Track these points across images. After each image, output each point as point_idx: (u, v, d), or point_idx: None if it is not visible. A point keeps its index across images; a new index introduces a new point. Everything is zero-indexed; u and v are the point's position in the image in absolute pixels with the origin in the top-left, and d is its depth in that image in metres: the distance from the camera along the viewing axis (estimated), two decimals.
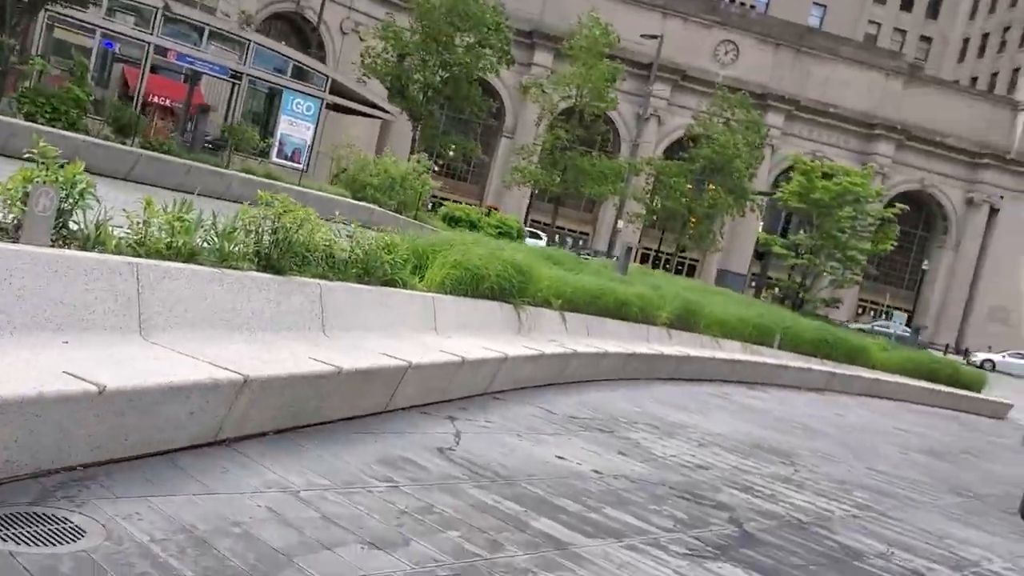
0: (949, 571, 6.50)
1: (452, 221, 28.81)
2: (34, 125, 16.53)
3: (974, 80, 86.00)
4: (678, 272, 59.27)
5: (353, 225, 8.66)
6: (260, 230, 7.01)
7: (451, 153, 47.43)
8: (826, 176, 45.86)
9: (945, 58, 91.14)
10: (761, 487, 7.85)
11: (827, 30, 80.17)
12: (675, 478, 7.40)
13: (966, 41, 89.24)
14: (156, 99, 32.44)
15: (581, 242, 67.46)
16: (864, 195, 44.99)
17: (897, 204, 47.99)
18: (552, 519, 5.52)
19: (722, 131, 50.43)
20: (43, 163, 5.59)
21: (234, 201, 13.69)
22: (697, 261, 69.32)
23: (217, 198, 15.16)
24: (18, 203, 5.36)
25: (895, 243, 49.35)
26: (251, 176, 20.99)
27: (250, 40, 28.13)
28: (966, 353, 57.08)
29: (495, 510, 5.46)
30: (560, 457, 7.21)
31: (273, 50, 29.11)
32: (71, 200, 5.69)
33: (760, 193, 54.62)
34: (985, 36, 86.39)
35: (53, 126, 17.21)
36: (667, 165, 52.14)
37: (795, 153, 53.05)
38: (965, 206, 74.17)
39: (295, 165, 28.81)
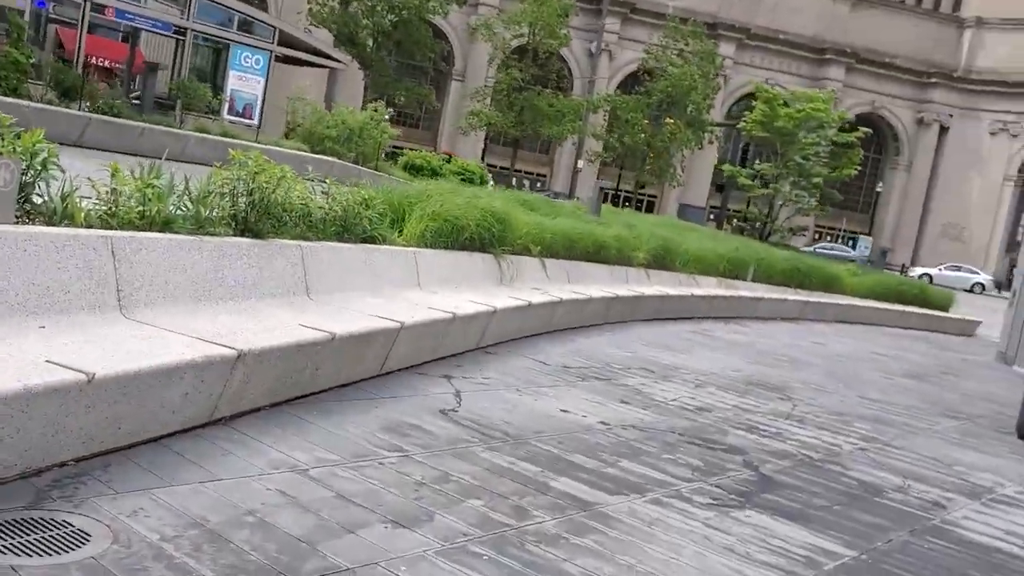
0: (967, 499, 6.43)
1: (413, 170, 28.23)
2: None
3: (919, 0, 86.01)
4: (638, 208, 59.18)
5: (328, 181, 8.26)
6: (235, 192, 6.60)
7: (401, 100, 46.39)
8: (785, 104, 45.69)
9: None
10: (766, 426, 7.72)
11: None
12: (681, 423, 7.23)
13: None
14: (96, 60, 31.17)
15: (539, 184, 66.96)
16: (827, 120, 44.96)
17: (860, 128, 48.07)
18: (571, 478, 5.31)
19: (678, 63, 49.85)
20: None
21: (192, 162, 13.18)
22: (655, 197, 69.26)
23: (174, 159, 14.58)
24: None
25: (858, 168, 49.53)
26: (206, 135, 20.25)
27: None
28: (903, 269, 57.65)
29: (512, 473, 5.23)
30: (564, 410, 6.99)
31: (217, 3, 27.95)
32: (32, 171, 5.25)
33: (720, 124, 54.36)
34: None
35: None
36: (624, 101, 51.57)
37: (757, 82, 52.51)
38: (916, 126, 74.80)
39: (247, 121, 27.95)
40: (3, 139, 5.13)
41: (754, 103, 48.71)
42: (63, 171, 5.40)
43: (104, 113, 18.43)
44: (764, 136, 46.75)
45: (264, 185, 6.65)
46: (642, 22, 67.34)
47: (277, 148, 21.33)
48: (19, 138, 5.20)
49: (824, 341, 16.02)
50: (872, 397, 10.52)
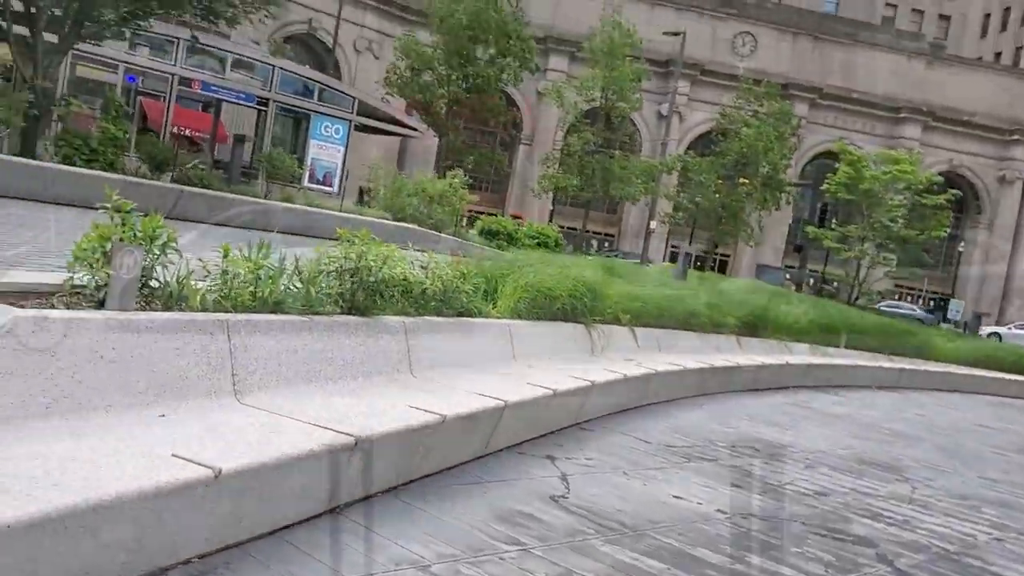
0: None
1: (489, 235, 28.31)
2: (74, 169, 16.20)
3: (998, 55, 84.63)
4: (711, 269, 58.56)
5: (427, 255, 8.19)
6: (342, 270, 6.55)
7: (471, 165, 46.93)
8: (867, 166, 44.88)
9: (966, 35, 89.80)
10: (890, 513, 7.27)
11: (842, 15, 79.23)
12: (802, 511, 6.84)
13: (987, 16, 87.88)
14: (178, 129, 32.21)
15: (607, 244, 66.85)
16: (914, 182, 43.96)
17: (950, 190, 46.86)
18: None
19: (754, 124, 49.41)
20: (119, 217, 5.14)
21: (281, 232, 13.31)
22: (728, 256, 68.50)
23: (262, 229, 14.78)
24: (99, 265, 4.90)
25: (947, 229, 48.16)
26: (293, 205, 20.62)
27: (275, 66, 27.82)
28: (967, 326, 55.51)
29: (637, 570, 4.94)
30: (677, 497, 6.67)
31: (299, 74, 28.78)
32: (152, 256, 5.24)
33: (797, 184, 53.58)
34: (1006, 10, 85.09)
35: (91, 167, 16.89)
36: (698, 162, 51.35)
37: (840, 143, 51.63)
38: (997, 184, 72.86)
39: (326, 189, 28.52)
40: (124, 224, 5.14)
41: (837, 164, 47.82)
42: (180, 255, 5.38)
43: (194, 185, 18.88)
44: (849, 198, 45.83)
45: (371, 263, 6.58)
46: (712, 83, 67.46)
47: (361, 217, 21.56)
48: (139, 221, 5.20)
49: (924, 412, 15.34)
50: (991, 476, 9.94)
